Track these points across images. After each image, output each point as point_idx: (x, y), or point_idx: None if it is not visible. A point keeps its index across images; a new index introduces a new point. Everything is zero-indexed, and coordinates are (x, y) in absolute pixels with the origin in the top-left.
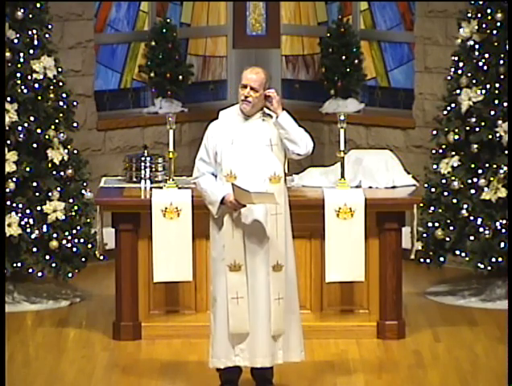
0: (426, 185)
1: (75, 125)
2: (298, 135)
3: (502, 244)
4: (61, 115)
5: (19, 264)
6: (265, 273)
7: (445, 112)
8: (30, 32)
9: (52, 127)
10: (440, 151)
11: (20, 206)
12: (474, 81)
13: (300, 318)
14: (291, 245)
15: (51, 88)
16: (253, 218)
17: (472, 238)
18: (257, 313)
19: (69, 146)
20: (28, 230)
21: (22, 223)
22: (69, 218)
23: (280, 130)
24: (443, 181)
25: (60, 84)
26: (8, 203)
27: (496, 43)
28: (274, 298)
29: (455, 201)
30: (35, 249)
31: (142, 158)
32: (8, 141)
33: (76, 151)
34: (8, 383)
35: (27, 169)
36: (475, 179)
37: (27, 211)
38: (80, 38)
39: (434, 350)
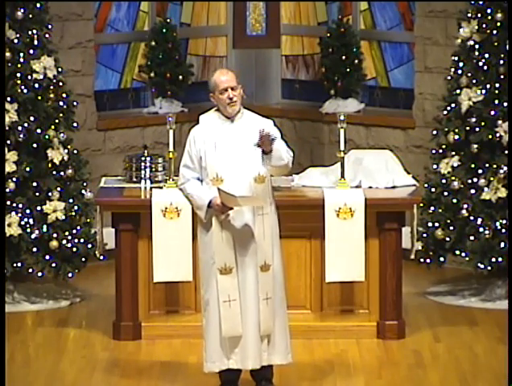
0: (426, 185)
1: (75, 125)
2: (284, 166)
3: (502, 244)
4: (61, 115)
5: (19, 264)
6: (254, 273)
7: (445, 112)
8: (30, 32)
9: (52, 127)
10: (440, 151)
11: (20, 206)
12: (474, 81)
13: (287, 318)
14: (278, 244)
15: (51, 88)
16: (241, 220)
17: (472, 238)
18: (247, 314)
19: (69, 146)
20: (28, 230)
21: (22, 223)
22: (69, 218)
23: (268, 166)
24: (443, 181)
25: (60, 84)
26: (8, 203)
27: (496, 43)
28: (263, 298)
29: (455, 201)
30: (35, 249)
31: (142, 158)
32: (8, 141)
33: (76, 151)
34: (8, 383)
35: (27, 169)
36: (475, 179)
37: (27, 211)
38: (80, 38)
39: (434, 350)
